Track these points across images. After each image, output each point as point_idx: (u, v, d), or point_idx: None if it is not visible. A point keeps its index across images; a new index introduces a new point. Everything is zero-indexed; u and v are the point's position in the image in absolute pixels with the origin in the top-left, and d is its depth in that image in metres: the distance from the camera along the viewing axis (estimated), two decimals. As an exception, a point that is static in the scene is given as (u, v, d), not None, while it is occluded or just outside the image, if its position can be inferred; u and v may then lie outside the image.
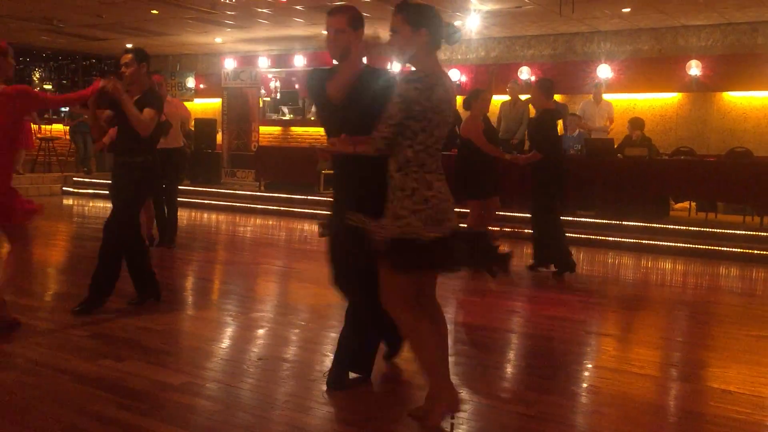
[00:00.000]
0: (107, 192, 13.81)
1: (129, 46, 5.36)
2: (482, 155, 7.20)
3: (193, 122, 14.07)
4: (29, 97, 4.68)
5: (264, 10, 12.44)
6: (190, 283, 6.70)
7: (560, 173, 7.17)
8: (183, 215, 11.15)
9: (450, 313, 5.84)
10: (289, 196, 12.20)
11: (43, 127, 15.39)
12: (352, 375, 3.82)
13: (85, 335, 4.55)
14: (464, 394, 3.76)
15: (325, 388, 3.71)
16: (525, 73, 14.01)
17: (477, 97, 7.24)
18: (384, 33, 3.35)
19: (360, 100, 3.52)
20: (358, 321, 3.75)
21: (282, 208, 11.92)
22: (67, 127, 15.62)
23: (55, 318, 5.03)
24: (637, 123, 11.02)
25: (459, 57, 15.15)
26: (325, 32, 3.70)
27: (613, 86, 13.05)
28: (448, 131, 3.23)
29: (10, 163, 4.70)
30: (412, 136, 3.07)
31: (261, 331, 4.90)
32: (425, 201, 3.07)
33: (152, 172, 5.28)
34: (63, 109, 19.79)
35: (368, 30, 3.61)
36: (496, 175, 7.50)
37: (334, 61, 3.66)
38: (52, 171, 15.37)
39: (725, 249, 8.81)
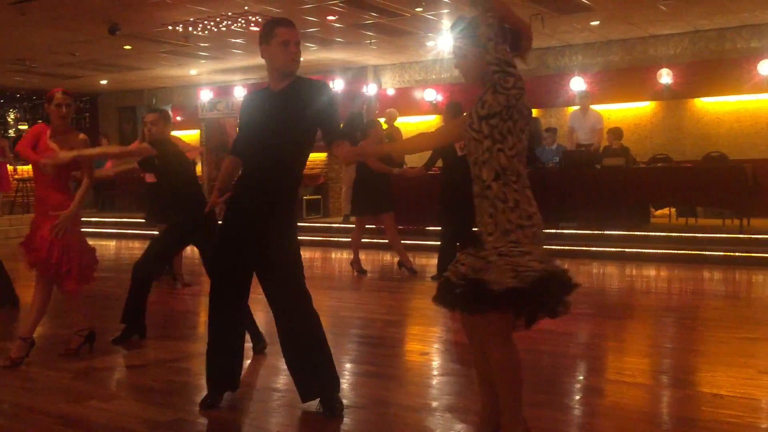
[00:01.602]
0: (99, 230, 13.76)
1: (151, 112, 5.53)
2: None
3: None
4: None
5: (237, 40, 12.48)
6: (175, 316, 6.64)
7: (462, 194, 7.22)
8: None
9: (438, 331, 5.83)
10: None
11: (19, 168, 15.25)
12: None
13: (72, 376, 4.49)
14: (458, 413, 3.74)
15: (315, 415, 3.68)
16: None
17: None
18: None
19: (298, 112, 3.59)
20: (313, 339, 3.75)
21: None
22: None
23: (40, 360, 4.96)
24: (616, 133, 11.14)
25: (434, 77, 15.26)
26: (284, 42, 3.56)
27: (589, 98, 13.19)
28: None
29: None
30: (500, 139, 2.86)
31: (249, 362, 4.86)
32: (529, 217, 2.86)
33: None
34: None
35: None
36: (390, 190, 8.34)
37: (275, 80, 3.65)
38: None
39: (707, 253, 8.89)
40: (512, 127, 2.86)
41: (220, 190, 3.95)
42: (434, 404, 3.92)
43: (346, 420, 3.63)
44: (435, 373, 4.63)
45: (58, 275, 4.71)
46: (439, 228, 8.04)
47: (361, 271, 8.55)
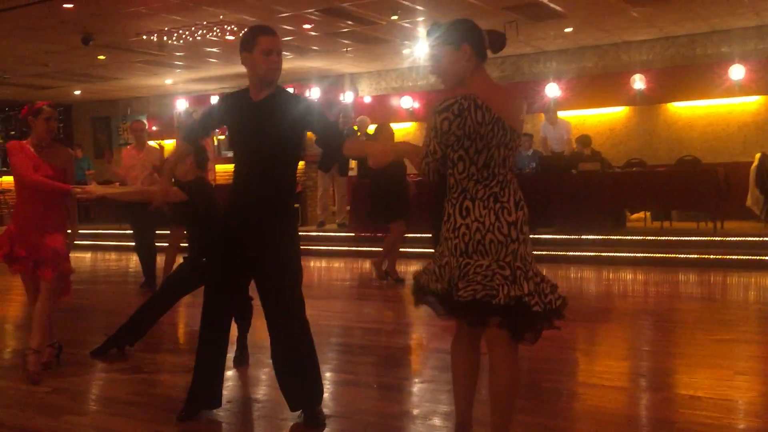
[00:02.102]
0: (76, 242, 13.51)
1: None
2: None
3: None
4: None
5: (213, 50, 12.43)
6: (153, 328, 6.56)
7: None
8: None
9: (419, 340, 5.83)
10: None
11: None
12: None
13: (47, 391, 4.42)
14: (437, 419, 3.74)
15: (296, 425, 3.66)
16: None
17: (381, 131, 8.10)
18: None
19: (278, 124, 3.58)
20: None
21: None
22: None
23: (15, 375, 4.88)
24: (585, 140, 11.26)
25: (410, 84, 15.31)
26: (266, 51, 3.54)
27: (562, 104, 13.31)
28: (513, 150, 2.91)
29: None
30: (451, 165, 2.86)
31: (229, 373, 4.80)
32: (455, 229, 2.85)
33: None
34: None
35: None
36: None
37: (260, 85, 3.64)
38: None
39: (682, 256, 8.99)
40: (463, 155, 2.83)
41: (170, 175, 4.20)
42: (415, 411, 3.91)
43: (327, 430, 3.61)
44: (416, 380, 4.63)
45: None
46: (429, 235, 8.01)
47: (398, 281, 8.18)
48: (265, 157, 3.58)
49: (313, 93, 15.24)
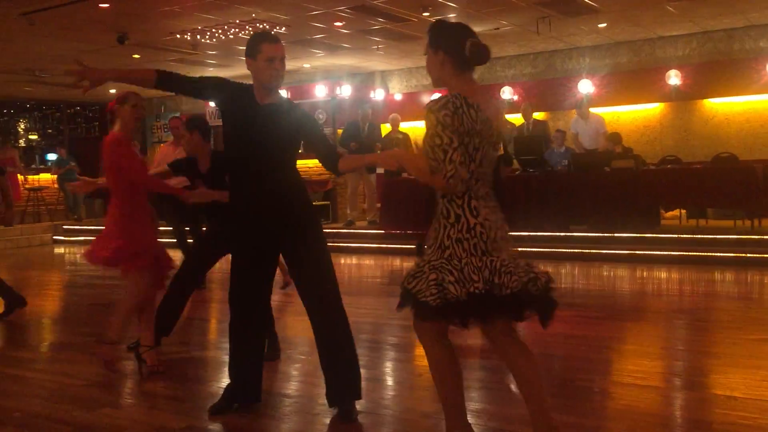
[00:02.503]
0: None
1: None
2: None
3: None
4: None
5: (244, 47, 12.51)
6: (186, 322, 6.64)
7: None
8: (175, 254, 11.11)
9: (450, 336, 5.82)
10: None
11: (30, 177, 15.36)
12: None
13: (83, 384, 4.50)
14: (471, 418, 3.73)
15: (328, 421, 3.68)
16: (507, 93, 14.13)
17: None
18: None
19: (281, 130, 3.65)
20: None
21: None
22: (55, 176, 15.61)
23: (52, 368, 4.98)
24: (615, 138, 11.09)
25: (441, 81, 15.25)
26: (269, 59, 3.60)
27: (595, 101, 13.15)
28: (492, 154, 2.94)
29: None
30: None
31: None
32: (469, 230, 2.84)
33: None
34: (50, 157, 19.81)
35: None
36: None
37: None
38: (41, 221, 15.31)
39: (718, 254, 8.84)
40: (464, 152, 2.84)
41: None
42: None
43: (359, 426, 3.62)
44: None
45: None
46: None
47: None
48: (270, 157, 3.66)
49: (344, 90, 15.27)
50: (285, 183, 3.71)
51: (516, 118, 12.24)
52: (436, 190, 2.93)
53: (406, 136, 12.37)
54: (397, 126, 12.67)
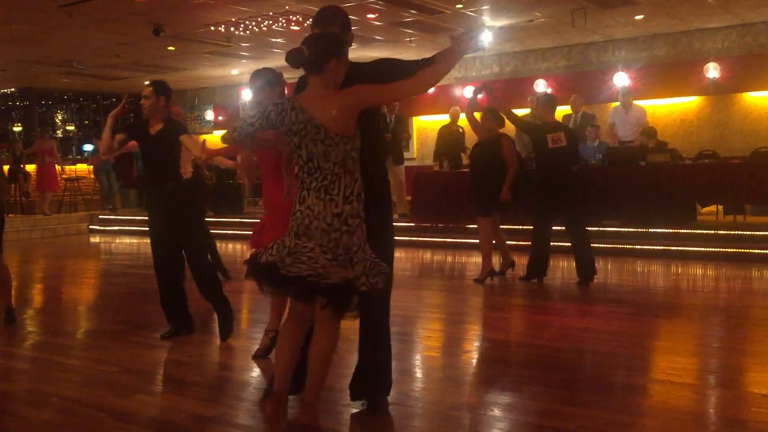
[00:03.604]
0: (145, 228, 14.05)
1: (146, 83, 5.45)
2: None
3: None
4: None
5: (278, 40, 12.58)
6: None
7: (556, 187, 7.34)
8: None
9: (479, 330, 5.80)
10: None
11: (66, 167, 15.63)
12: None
13: (117, 371, 4.58)
14: (498, 411, 3.72)
15: (351, 412, 3.69)
16: (541, 86, 13.99)
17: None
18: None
19: None
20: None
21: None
22: (91, 166, 15.85)
23: (88, 355, 5.07)
24: (650, 132, 10.87)
25: (473, 74, 15.18)
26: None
27: (631, 94, 12.98)
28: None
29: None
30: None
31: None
32: (293, 213, 3.28)
33: (187, 193, 5.38)
34: (87, 147, 20.12)
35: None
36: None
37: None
38: (78, 210, 15.58)
39: (756, 251, 8.67)
40: (293, 149, 3.31)
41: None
42: (474, 401, 3.89)
43: (387, 419, 3.62)
44: (476, 371, 4.60)
45: None
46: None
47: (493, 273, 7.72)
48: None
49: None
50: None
51: (562, 110, 12.13)
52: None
53: (463, 130, 12.12)
54: (457, 119, 12.38)
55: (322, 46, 3.32)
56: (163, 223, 5.24)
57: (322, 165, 3.23)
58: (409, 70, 3.47)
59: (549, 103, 7.50)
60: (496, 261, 7.84)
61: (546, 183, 7.28)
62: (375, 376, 3.71)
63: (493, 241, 7.71)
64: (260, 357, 4.72)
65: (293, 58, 3.33)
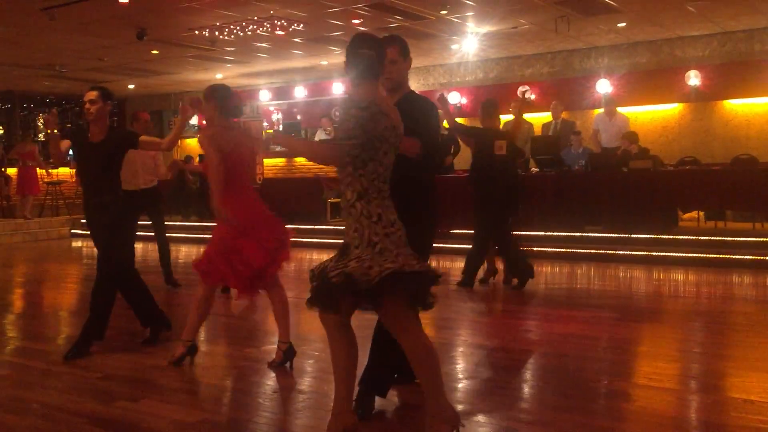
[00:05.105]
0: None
1: (91, 87, 5.24)
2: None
3: (198, 159, 14.16)
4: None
5: (263, 45, 12.57)
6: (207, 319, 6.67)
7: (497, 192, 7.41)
8: (191, 251, 11.18)
9: (464, 335, 5.81)
10: (297, 226, 12.17)
11: (52, 171, 15.49)
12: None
13: (99, 377, 4.54)
14: (482, 416, 3.72)
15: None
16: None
17: None
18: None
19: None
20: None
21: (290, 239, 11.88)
22: (74, 170, 15.72)
23: (69, 361, 5.02)
24: (632, 137, 10.98)
25: (458, 79, 15.24)
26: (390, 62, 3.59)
27: (615, 102, 13.10)
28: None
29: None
30: (362, 165, 3.10)
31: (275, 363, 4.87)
32: (392, 224, 3.13)
33: (121, 206, 5.19)
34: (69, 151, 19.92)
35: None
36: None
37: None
38: (60, 214, 15.45)
39: (737, 257, 8.76)
40: (373, 154, 3.09)
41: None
42: (460, 407, 3.90)
43: (366, 423, 3.62)
44: (460, 376, 4.61)
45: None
46: (471, 231, 7.73)
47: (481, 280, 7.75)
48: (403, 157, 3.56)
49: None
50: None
51: (539, 117, 12.19)
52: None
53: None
54: (521, 114, 12.25)
55: (381, 47, 3.26)
56: (99, 236, 5.15)
57: (387, 174, 3.19)
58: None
59: (491, 107, 7.51)
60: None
61: (490, 187, 7.33)
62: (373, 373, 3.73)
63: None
64: (176, 364, 4.70)
65: (362, 60, 3.18)
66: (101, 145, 5.07)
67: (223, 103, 4.72)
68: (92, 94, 5.07)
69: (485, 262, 7.79)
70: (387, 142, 3.13)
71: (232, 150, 4.57)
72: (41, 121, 21.42)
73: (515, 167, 7.74)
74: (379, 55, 3.20)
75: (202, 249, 9.08)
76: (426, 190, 3.82)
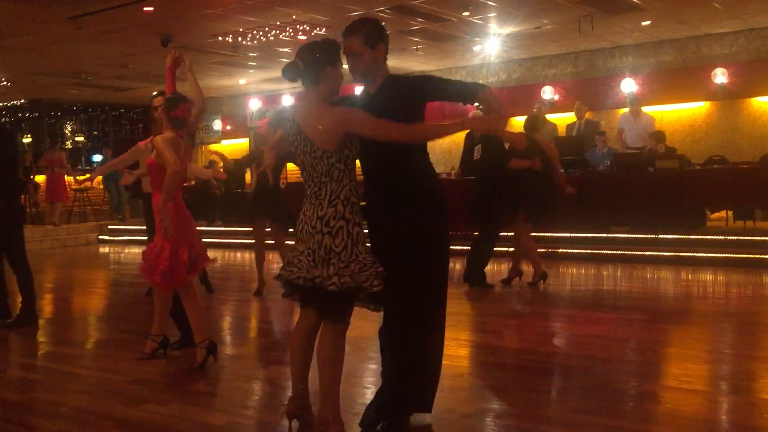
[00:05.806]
0: (144, 237, 14.04)
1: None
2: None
3: (221, 164, 14.24)
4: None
5: (285, 49, 12.63)
6: (226, 322, 6.73)
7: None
8: (217, 256, 11.25)
9: (488, 338, 5.77)
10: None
11: (80, 177, 15.70)
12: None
13: (126, 380, 4.58)
14: (511, 419, 3.70)
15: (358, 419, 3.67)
16: (548, 93, 13.99)
17: None
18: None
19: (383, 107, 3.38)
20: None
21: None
22: (100, 177, 15.92)
23: (97, 365, 5.08)
24: (659, 136, 10.87)
25: (480, 81, 15.16)
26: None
27: (640, 101, 12.97)
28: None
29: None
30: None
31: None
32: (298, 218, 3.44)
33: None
34: (96, 158, 20.22)
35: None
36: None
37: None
38: (87, 221, 15.65)
39: (766, 257, 8.62)
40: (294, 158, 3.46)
41: None
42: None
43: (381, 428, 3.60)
44: (486, 378, 4.59)
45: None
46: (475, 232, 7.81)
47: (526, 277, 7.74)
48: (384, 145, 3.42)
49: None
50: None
51: (563, 118, 12.10)
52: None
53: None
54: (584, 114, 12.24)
55: (315, 54, 3.32)
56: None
57: (312, 174, 3.35)
58: (445, 92, 3.54)
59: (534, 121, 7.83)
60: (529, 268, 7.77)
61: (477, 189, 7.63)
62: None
63: (512, 249, 7.87)
64: (144, 359, 4.94)
65: (288, 71, 3.36)
66: None
67: (168, 114, 5.08)
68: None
69: (511, 262, 7.79)
70: (293, 145, 3.41)
71: (182, 158, 4.83)
72: (68, 128, 21.74)
73: (501, 168, 7.46)
74: (314, 63, 3.30)
75: (227, 253, 9.18)
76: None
